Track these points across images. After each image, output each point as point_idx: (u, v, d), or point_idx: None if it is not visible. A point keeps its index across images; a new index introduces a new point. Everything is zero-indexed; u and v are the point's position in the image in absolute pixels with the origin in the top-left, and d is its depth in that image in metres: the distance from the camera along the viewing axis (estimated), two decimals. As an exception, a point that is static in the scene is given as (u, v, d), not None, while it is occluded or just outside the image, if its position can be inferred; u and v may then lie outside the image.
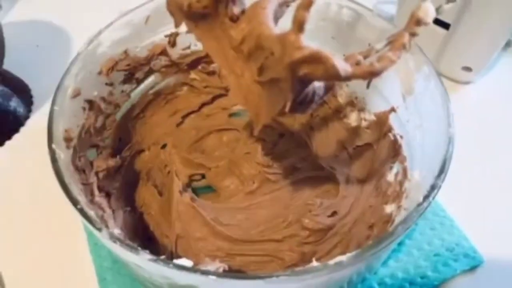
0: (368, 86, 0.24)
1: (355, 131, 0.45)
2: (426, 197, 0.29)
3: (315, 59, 0.20)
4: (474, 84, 0.54)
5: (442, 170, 0.31)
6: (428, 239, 0.40)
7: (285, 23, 0.25)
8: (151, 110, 0.46)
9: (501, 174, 0.46)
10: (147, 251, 0.28)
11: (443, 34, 0.50)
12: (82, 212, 0.29)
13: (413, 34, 0.22)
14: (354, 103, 0.46)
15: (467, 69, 0.52)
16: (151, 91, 0.46)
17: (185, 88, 0.48)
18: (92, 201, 0.34)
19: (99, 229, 0.28)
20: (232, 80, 0.25)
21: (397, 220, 0.35)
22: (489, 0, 0.45)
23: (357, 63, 0.24)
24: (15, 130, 0.49)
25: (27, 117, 0.51)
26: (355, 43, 0.43)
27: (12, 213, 0.43)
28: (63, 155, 0.33)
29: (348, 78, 0.21)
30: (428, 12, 0.22)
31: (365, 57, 0.25)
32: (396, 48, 0.22)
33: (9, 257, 0.40)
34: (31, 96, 0.52)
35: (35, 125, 0.50)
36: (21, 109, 0.50)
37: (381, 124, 0.42)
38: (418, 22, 0.22)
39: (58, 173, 0.31)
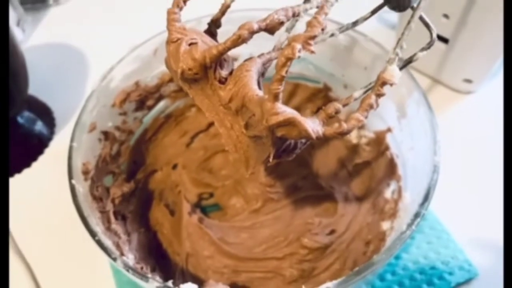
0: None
1: (355, 148, 0.47)
2: (409, 225, 0.32)
3: (290, 123, 0.23)
4: (475, 93, 0.55)
5: (426, 199, 0.33)
6: (424, 252, 0.42)
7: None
8: (162, 132, 0.49)
9: (500, 184, 0.47)
10: (157, 277, 0.31)
11: (443, 48, 0.52)
12: (99, 243, 0.33)
13: (379, 95, 0.24)
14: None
15: (468, 81, 0.53)
16: (162, 115, 0.49)
17: (193, 109, 0.50)
18: (109, 228, 0.38)
19: (114, 259, 0.32)
20: (223, 131, 0.27)
21: (388, 240, 0.37)
22: (484, 16, 0.46)
23: (336, 112, 0.26)
24: (40, 151, 0.53)
25: (50, 138, 0.54)
26: (352, 65, 0.45)
27: (37, 227, 0.47)
28: (82, 188, 0.37)
29: (320, 139, 0.24)
30: (394, 75, 0.24)
31: (345, 105, 0.27)
32: (364, 108, 0.24)
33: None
34: (53, 118, 0.56)
35: (58, 146, 0.54)
36: (44, 132, 0.54)
37: (379, 142, 0.44)
38: (384, 83, 0.24)
39: (78, 207, 0.34)
